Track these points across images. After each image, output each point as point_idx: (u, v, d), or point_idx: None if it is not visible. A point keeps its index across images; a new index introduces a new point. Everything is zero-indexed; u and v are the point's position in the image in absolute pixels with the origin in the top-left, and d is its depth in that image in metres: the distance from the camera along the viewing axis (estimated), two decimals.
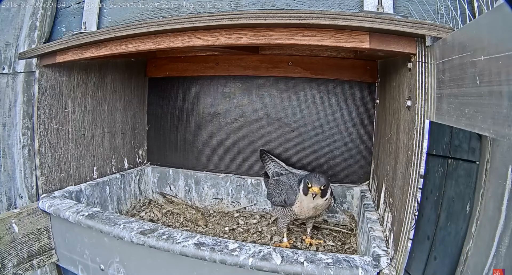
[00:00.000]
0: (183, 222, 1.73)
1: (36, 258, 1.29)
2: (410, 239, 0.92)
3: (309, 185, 1.25)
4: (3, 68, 1.90)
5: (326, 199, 1.30)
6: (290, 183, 1.39)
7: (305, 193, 1.28)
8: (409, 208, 0.85)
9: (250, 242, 1.50)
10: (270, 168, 1.63)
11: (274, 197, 1.44)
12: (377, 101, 1.58)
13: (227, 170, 1.88)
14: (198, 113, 1.92)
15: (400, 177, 0.95)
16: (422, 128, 0.83)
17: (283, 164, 1.63)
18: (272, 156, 1.69)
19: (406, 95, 0.94)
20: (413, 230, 1.23)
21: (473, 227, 0.95)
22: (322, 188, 1.24)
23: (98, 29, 1.84)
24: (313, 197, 1.25)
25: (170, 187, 1.99)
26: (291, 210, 1.35)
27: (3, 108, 1.89)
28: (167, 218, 1.78)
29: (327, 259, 0.88)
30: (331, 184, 1.62)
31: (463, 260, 0.98)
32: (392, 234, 0.98)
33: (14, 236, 1.22)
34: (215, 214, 1.82)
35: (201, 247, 0.95)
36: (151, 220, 1.73)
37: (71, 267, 1.31)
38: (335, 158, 1.70)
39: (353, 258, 0.90)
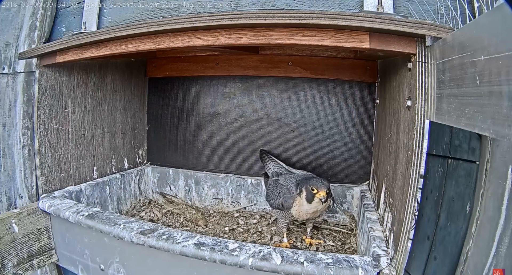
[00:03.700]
0: (183, 222, 1.73)
1: (36, 258, 1.29)
2: (410, 239, 0.92)
3: (315, 191, 1.24)
4: (3, 68, 1.91)
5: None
6: (288, 185, 1.38)
7: (310, 201, 1.26)
8: (409, 208, 0.85)
9: (250, 242, 1.50)
10: (269, 168, 1.63)
11: (272, 199, 1.44)
12: (377, 101, 1.58)
13: (227, 170, 1.88)
14: (198, 113, 1.93)
15: (400, 177, 0.95)
16: (422, 128, 0.83)
17: (283, 164, 1.63)
18: (272, 156, 1.69)
19: (406, 95, 0.94)
20: (413, 230, 1.22)
21: (473, 227, 0.95)
22: (327, 191, 1.24)
23: (98, 29, 1.84)
24: (323, 202, 1.24)
25: (170, 187, 1.99)
26: (289, 213, 1.35)
27: (3, 108, 1.90)
28: (167, 218, 1.78)
29: (327, 259, 0.88)
30: (331, 184, 1.63)
31: (463, 260, 0.98)
32: (392, 234, 0.98)
33: (14, 236, 1.22)
34: (215, 214, 1.82)
35: (201, 247, 0.95)
36: (151, 220, 1.73)
37: (71, 267, 1.31)
38: (335, 158, 1.70)
39: (353, 258, 0.90)
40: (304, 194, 1.28)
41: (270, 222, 1.70)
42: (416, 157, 0.84)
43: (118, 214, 1.39)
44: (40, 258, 1.31)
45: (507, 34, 0.49)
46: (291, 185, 1.36)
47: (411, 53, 0.86)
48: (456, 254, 1.03)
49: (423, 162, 0.85)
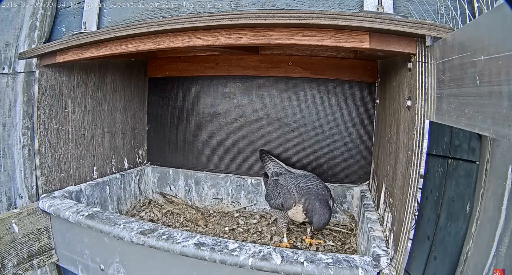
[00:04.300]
0: (183, 222, 1.73)
1: (36, 258, 1.29)
2: (410, 239, 0.92)
3: (312, 230, 1.38)
4: (3, 68, 1.91)
5: None
6: (288, 186, 1.38)
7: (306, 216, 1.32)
8: (409, 208, 0.85)
9: (250, 242, 1.50)
10: (269, 168, 1.62)
11: (271, 199, 1.44)
12: (377, 101, 1.58)
13: (227, 170, 1.88)
14: (198, 113, 1.93)
15: (400, 177, 0.95)
16: (422, 128, 0.83)
17: (283, 164, 1.63)
18: (271, 156, 1.69)
19: (406, 95, 0.94)
20: (413, 230, 1.23)
21: (473, 227, 0.95)
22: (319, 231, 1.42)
23: (98, 29, 1.84)
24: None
25: (170, 187, 1.99)
26: (287, 213, 1.36)
27: (3, 108, 1.90)
28: (167, 218, 1.78)
29: (327, 259, 0.88)
30: (331, 184, 1.63)
31: (463, 260, 0.98)
32: (392, 234, 0.98)
33: (14, 236, 1.22)
34: (215, 214, 1.82)
35: (201, 247, 0.95)
36: (151, 220, 1.73)
37: (71, 267, 1.31)
38: (335, 158, 1.70)
39: (353, 258, 0.90)
40: (304, 209, 1.28)
41: (270, 222, 1.70)
42: (416, 157, 0.84)
43: (118, 214, 1.39)
44: (40, 258, 1.31)
45: (507, 34, 0.49)
46: (291, 186, 1.36)
47: (411, 53, 0.86)
48: (456, 254, 1.03)
49: (423, 162, 0.85)
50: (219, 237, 1.46)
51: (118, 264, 1.14)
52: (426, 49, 0.83)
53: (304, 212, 1.27)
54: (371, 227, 1.13)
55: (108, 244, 1.15)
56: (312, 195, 1.27)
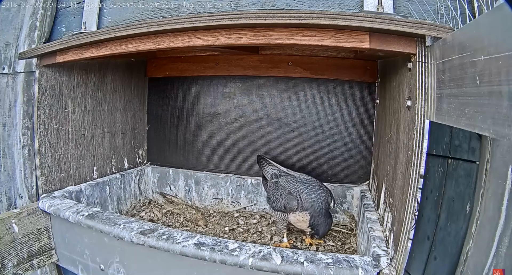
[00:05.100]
0: (183, 222, 1.73)
1: (36, 258, 1.29)
2: (410, 239, 0.92)
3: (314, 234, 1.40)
4: (3, 68, 1.91)
5: None
6: (290, 188, 1.38)
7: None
8: (409, 208, 0.85)
9: (250, 242, 1.50)
10: (267, 172, 1.61)
11: (273, 202, 1.44)
12: (377, 101, 1.58)
13: (227, 170, 1.88)
14: (198, 113, 1.93)
15: (400, 177, 0.95)
16: (422, 128, 0.83)
17: (281, 167, 1.62)
18: (269, 160, 1.68)
19: (406, 95, 0.94)
20: (413, 230, 1.23)
21: (473, 227, 0.95)
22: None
23: (98, 29, 1.84)
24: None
25: (170, 187, 1.99)
26: (287, 216, 1.37)
27: (3, 108, 1.90)
28: (167, 218, 1.78)
29: (327, 259, 0.88)
30: (330, 184, 1.63)
31: (463, 260, 0.98)
32: (392, 234, 0.98)
33: (14, 236, 1.22)
34: (215, 214, 1.82)
35: (201, 247, 0.95)
36: (151, 220, 1.73)
37: (71, 267, 1.31)
38: (335, 158, 1.70)
39: (353, 258, 0.90)
40: (310, 224, 1.34)
41: (270, 222, 1.70)
42: (416, 157, 0.84)
43: (118, 214, 1.39)
44: (40, 258, 1.31)
45: (507, 34, 0.49)
46: (293, 189, 1.37)
47: (411, 53, 0.86)
48: (456, 254, 1.03)
49: (423, 162, 0.85)
50: (219, 237, 1.46)
51: (118, 264, 1.14)
52: (426, 49, 0.83)
53: (310, 227, 1.35)
54: (371, 227, 1.13)
55: (108, 244, 1.15)
56: (316, 212, 1.32)
